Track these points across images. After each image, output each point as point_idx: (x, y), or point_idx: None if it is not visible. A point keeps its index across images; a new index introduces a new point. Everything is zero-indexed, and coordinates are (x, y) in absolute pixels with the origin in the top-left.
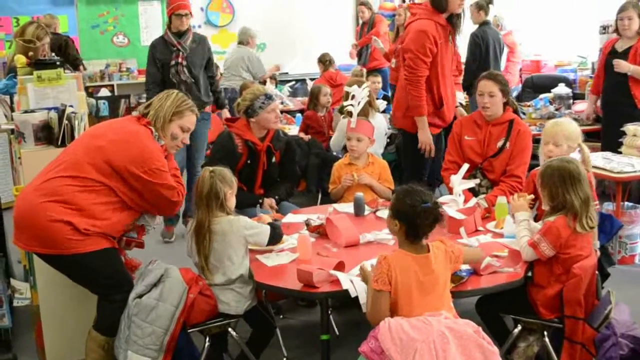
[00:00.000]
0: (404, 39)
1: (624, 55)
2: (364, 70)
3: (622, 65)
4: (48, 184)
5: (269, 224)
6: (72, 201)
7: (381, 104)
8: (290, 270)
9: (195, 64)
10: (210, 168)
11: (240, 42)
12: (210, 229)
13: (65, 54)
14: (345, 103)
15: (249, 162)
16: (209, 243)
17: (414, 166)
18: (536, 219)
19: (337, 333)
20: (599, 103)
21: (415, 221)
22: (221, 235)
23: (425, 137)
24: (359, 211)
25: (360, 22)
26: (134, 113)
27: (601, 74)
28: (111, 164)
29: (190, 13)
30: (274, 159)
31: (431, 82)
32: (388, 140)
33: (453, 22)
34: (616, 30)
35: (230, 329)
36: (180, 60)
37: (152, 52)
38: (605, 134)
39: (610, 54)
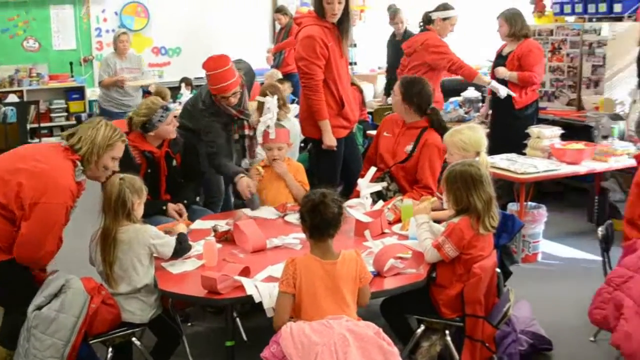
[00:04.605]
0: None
1: (506, 58)
2: (279, 72)
3: (500, 72)
4: None
5: (179, 235)
6: None
7: (295, 108)
8: (195, 277)
9: None
10: (120, 175)
11: None
12: (116, 237)
13: None
14: (262, 119)
15: (149, 171)
16: (114, 252)
17: (326, 173)
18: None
19: (245, 339)
20: None
21: (313, 216)
22: (127, 244)
23: (330, 140)
24: (251, 205)
25: (278, 27)
26: (62, 143)
27: (493, 76)
28: (19, 192)
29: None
30: (174, 163)
31: (329, 84)
32: (302, 145)
33: (341, 26)
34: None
35: (134, 339)
36: None
37: None
38: (491, 135)
39: (497, 58)
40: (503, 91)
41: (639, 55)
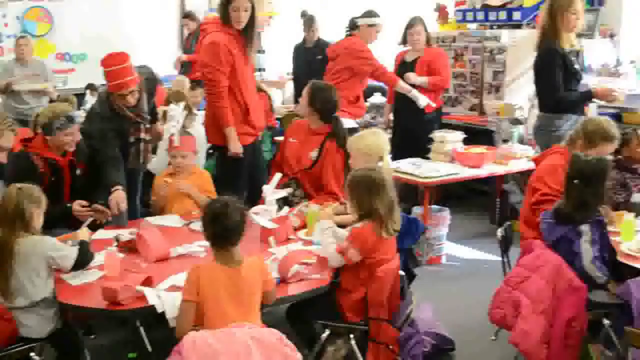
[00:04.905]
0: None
1: (412, 65)
2: (187, 79)
3: (411, 78)
4: None
5: (80, 243)
6: None
7: (202, 114)
8: (96, 289)
9: None
10: (18, 185)
11: None
12: (12, 249)
13: None
14: (166, 126)
15: (53, 179)
16: (10, 264)
17: (231, 180)
18: None
19: (150, 349)
20: None
21: (214, 225)
22: (24, 256)
23: (235, 147)
24: (118, 221)
25: (186, 33)
26: None
27: None
28: None
29: None
30: (78, 172)
31: (234, 92)
32: (211, 151)
33: (246, 33)
34: (404, 43)
35: (33, 354)
36: None
37: None
38: (394, 141)
39: (400, 65)
40: (423, 101)
41: (534, 62)
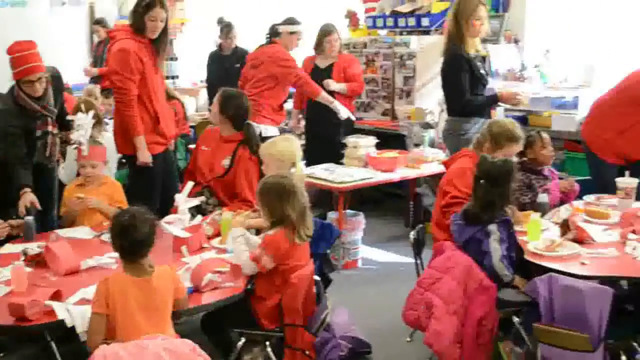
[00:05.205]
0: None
1: (327, 71)
2: (98, 87)
3: (330, 84)
4: None
5: None
6: None
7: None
8: (2, 304)
9: None
10: None
11: None
12: None
13: None
14: (73, 136)
15: None
16: None
17: (142, 190)
18: None
19: None
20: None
21: (122, 238)
22: None
23: (144, 156)
24: (27, 236)
25: (96, 40)
26: None
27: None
28: None
29: None
30: None
31: (144, 100)
32: (123, 160)
33: (157, 42)
34: (317, 48)
35: None
36: None
37: None
38: (307, 147)
39: (314, 71)
40: (344, 113)
41: (441, 67)
